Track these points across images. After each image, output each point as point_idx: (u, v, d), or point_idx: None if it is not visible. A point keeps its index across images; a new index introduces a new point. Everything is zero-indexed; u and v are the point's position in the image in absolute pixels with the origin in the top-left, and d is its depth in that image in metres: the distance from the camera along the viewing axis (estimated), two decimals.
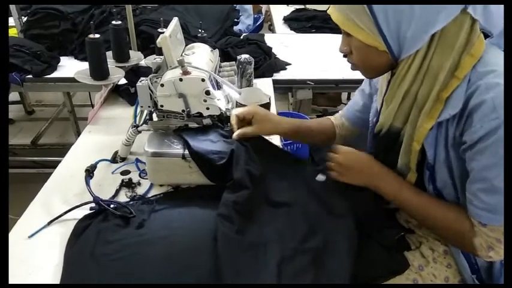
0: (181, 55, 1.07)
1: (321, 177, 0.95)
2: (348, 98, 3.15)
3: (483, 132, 0.69)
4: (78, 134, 2.20)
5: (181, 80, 0.95)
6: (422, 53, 0.73)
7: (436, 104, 0.74)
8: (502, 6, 0.75)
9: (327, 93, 2.84)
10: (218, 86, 1.08)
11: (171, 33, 0.99)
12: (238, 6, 2.52)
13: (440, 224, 0.81)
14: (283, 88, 1.82)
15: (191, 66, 0.97)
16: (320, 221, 0.87)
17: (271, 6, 3.07)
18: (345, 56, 0.85)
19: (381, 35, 0.74)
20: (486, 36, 0.77)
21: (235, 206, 0.84)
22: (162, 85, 0.96)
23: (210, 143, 0.98)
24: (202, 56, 1.07)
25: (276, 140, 1.14)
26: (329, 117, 1.12)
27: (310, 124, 1.11)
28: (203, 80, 0.96)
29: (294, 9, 2.85)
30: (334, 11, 0.79)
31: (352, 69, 0.86)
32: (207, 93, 0.97)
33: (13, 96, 2.77)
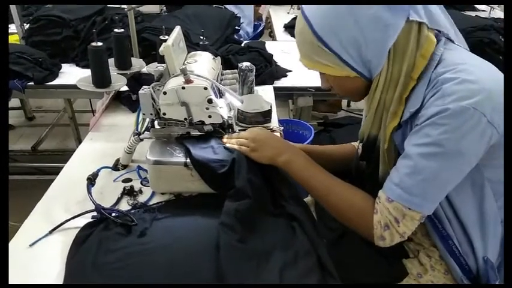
0: (184, 63, 1.07)
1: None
2: (348, 105, 3.16)
3: (427, 116, 0.72)
4: (79, 140, 2.21)
5: (183, 88, 0.95)
6: (385, 67, 0.77)
7: (399, 105, 0.79)
8: (440, 6, 0.80)
9: (327, 100, 2.84)
10: (220, 94, 1.08)
11: (173, 41, 0.99)
12: (239, 13, 2.53)
13: (343, 202, 0.84)
14: (284, 95, 1.83)
15: (194, 75, 0.97)
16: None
17: (271, 13, 3.08)
18: None
19: (347, 66, 0.78)
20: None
21: (237, 215, 0.84)
22: (164, 93, 0.97)
23: (211, 151, 0.98)
24: (204, 64, 1.08)
25: None
26: (353, 143, 1.12)
27: (325, 149, 1.12)
28: (206, 88, 0.96)
29: (294, 16, 2.86)
30: (302, 59, 0.86)
31: (339, 97, 0.91)
32: (210, 101, 0.97)
33: (13, 102, 2.78)
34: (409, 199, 0.74)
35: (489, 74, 0.74)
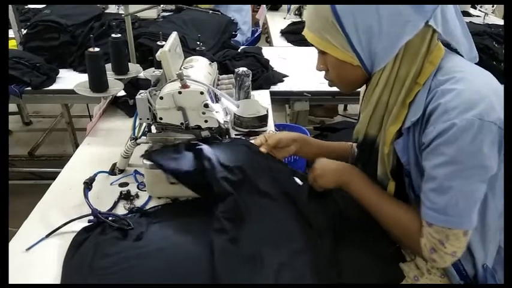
0: (180, 68, 1.08)
1: (298, 181, 0.99)
2: (345, 110, 3.18)
3: (435, 133, 0.72)
4: (76, 144, 2.21)
5: (180, 93, 0.96)
6: (390, 64, 0.77)
7: (402, 109, 0.78)
8: (460, 18, 0.79)
9: (323, 105, 2.86)
10: (216, 99, 1.09)
11: (170, 47, 1.00)
12: (240, 19, 2.55)
13: (390, 221, 0.84)
14: (281, 100, 1.83)
15: (190, 80, 0.98)
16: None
17: (268, 19, 3.10)
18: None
19: (354, 52, 0.78)
20: (446, 45, 0.80)
21: (225, 215, 0.84)
22: (161, 98, 0.97)
23: (183, 161, 0.97)
24: (201, 70, 1.09)
25: None
26: (350, 143, 1.12)
27: (324, 144, 1.13)
28: (202, 93, 0.97)
29: (290, 22, 2.88)
30: (308, 32, 0.84)
31: (329, 85, 0.91)
32: (206, 106, 0.98)
33: (11, 107, 2.78)
34: (446, 219, 0.73)
35: (488, 80, 0.75)
